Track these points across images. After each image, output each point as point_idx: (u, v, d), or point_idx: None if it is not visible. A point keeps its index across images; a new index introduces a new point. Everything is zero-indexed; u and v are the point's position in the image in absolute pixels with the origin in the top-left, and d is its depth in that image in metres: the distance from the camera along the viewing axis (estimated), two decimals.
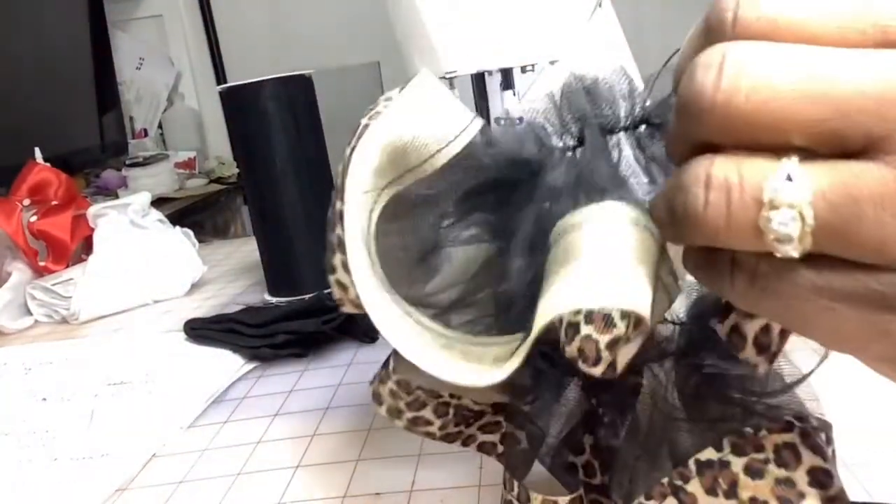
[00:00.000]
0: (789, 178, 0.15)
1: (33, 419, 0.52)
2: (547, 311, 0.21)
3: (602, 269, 0.21)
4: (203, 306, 0.75)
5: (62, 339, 0.72)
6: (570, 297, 0.21)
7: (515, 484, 0.30)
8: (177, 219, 1.04)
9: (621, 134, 0.26)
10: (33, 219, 0.82)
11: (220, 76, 2.04)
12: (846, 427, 0.28)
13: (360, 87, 1.89)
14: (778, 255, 0.16)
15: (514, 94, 0.67)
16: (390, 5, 0.69)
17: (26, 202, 0.84)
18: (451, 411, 0.33)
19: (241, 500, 0.39)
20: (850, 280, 0.16)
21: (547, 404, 0.30)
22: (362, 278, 0.27)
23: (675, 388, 0.26)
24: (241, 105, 0.68)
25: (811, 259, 0.16)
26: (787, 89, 0.15)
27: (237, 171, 1.68)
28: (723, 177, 0.16)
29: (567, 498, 0.29)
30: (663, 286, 0.23)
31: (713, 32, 0.17)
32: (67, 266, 0.82)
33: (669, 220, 0.18)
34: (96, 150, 1.72)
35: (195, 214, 1.63)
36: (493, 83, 0.68)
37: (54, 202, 0.86)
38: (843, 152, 0.15)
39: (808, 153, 0.15)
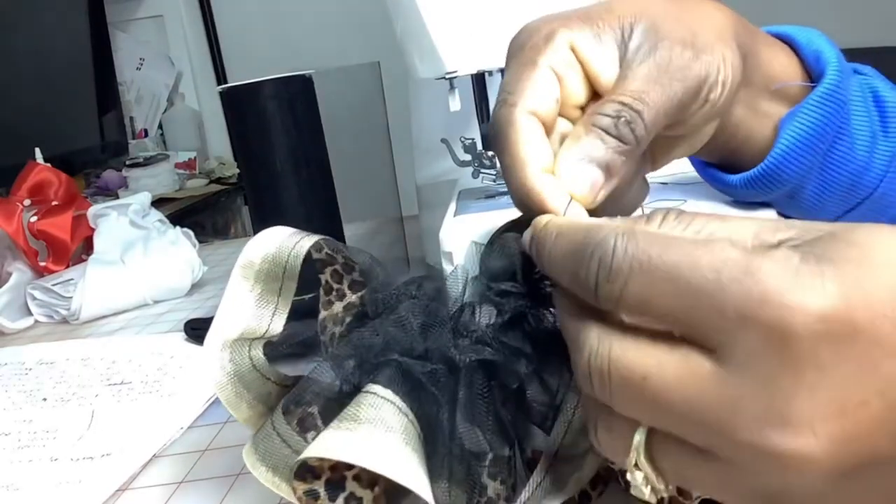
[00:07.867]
0: (637, 467, 0.21)
1: (33, 419, 0.52)
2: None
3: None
4: (203, 306, 0.75)
5: (62, 339, 0.72)
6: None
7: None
8: (177, 219, 1.04)
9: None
10: (33, 219, 0.82)
11: (220, 76, 2.04)
12: None
13: (360, 87, 1.89)
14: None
15: None
16: (390, 5, 0.69)
17: (26, 202, 0.84)
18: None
19: (241, 501, 0.39)
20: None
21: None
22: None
23: None
24: (241, 105, 0.67)
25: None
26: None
27: (237, 171, 1.68)
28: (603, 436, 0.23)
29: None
30: None
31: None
32: (68, 266, 0.82)
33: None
34: (96, 151, 1.73)
35: (195, 214, 1.63)
36: (493, 83, 0.68)
37: (54, 202, 0.86)
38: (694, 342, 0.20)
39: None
